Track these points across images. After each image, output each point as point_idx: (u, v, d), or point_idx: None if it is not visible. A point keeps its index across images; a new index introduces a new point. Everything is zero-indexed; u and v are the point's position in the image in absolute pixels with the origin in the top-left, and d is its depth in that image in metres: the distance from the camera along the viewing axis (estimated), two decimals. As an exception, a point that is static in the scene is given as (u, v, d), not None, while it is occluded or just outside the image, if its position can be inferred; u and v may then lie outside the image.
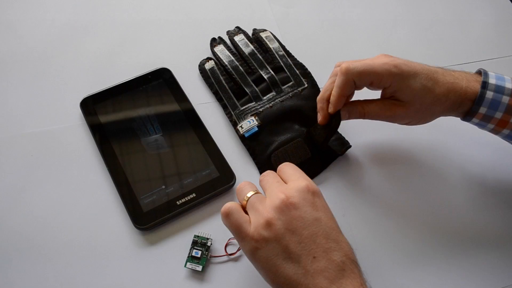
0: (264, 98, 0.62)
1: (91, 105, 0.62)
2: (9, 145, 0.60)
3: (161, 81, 0.65)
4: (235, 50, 0.66)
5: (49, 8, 0.74)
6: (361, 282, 0.40)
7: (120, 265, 0.52)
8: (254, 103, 0.62)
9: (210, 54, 0.68)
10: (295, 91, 0.63)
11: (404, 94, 0.52)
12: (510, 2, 0.79)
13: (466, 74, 0.53)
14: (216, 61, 0.65)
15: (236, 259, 0.53)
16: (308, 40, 0.72)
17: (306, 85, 0.63)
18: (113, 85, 0.64)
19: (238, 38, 0.66)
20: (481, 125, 0.53)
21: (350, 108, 0.55)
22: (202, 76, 0.65)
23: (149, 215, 0.54)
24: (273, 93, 0.62)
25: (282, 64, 0.65)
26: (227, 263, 0.53)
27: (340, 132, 0.60)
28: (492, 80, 0.51)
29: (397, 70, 0.50)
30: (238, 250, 0.53)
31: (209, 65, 0.65)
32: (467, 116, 0.52)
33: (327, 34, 0.74)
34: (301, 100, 0.62)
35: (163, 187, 0.56)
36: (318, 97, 0.55)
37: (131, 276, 0.51)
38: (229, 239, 0.54)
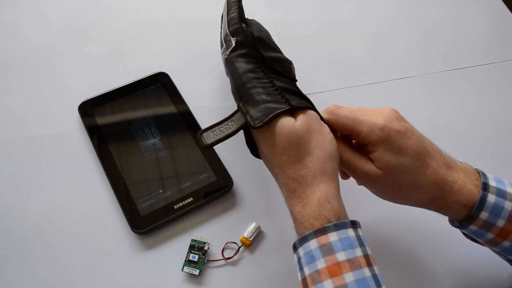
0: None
1: (89, 109, 0.62)
2: (7, 149, 0.60)
3: (159, 85, 0.65)
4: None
5: (47, 12, 0.74)
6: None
7: (118, 268, 0.52)
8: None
9: (209, 58, 0.68)
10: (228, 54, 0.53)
11: (380, 161, 0.44)
12: (507, 7, 0.79)
13: (464, 174, 0.45)
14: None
15: (233, 263, 0.53)
16: (306, 44, 0.73)
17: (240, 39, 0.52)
18: (111, 89, 0.64)
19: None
20: (478, 234, 0.45)
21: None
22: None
23: (147, 219, 0.54)
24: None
25: (221, 29, 0.56)
26: (224, 267, 0.53)
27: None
28: (492, 183, 0.44)
29: (382, 134, 0.44)
30: (236, 254, 0.53)
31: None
32: (463, 222, 0.45)
33: (324, 38, 0.74)
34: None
35: (161, 191, 0.56)
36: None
37: (128, 280, 0.51)
38: (226, 243, 0.54)
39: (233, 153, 0.60)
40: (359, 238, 0.40)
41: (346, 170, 0.48)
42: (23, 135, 0.61)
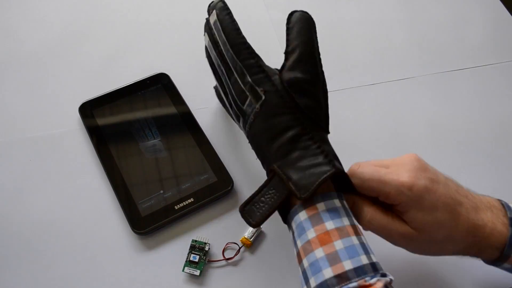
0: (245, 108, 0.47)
1: (90, 110, 0.62)
2: (8, 150, 0.60)
3: (159, 86, 0.65)
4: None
5: (48, 13, 0.74)
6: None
7: (118, 269, 0.52)
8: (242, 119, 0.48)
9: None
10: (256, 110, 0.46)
11: (413, 222, 0.43)
12: (506, 9, 0.79)
13: (491, 212, 0.45)
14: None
15: (234, 264, 0.53)
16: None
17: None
18: (111, 90, 0.64)
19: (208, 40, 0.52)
20: (511, 270, 0.46)
21: (356, 201, 0.45)
22: (216, 94, 0.59)
23: (147, 220, 0.54)
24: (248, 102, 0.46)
25: (237, 78, 0.47)
26: (225, 267, 0.53)
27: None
28: None
29: (411, 194, 0.42)
30: (236, 254, 0.53)
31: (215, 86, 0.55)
32: (496, 262, 0.45)
33: (324, 39, 0.74)
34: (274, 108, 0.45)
35: (161, 191, 0.56)
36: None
37: (129, 280, 0.52)
38: (226, 244, 0.54)
39: (233, 154, 0.60)
40: (345, 208, 0.42)
41: (381, 234, 0.45)
42: (24, 136, 0.61)
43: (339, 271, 0.38)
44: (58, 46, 0.70)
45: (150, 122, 0.61)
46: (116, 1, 0.76)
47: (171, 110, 0.63)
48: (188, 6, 0.77)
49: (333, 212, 0.41)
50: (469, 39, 0.75)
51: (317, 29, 0.75)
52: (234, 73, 0.47)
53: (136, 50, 0.71)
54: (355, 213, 0.44)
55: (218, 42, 0.49)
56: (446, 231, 0.43)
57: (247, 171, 0.59)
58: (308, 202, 0.41)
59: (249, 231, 0.54)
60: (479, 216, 0.44)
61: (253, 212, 0.43)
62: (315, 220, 0.40)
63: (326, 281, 0.38)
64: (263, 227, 0.55)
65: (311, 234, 0.40)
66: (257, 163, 0.58)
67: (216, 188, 0.56)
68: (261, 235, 0.55)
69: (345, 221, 0.40)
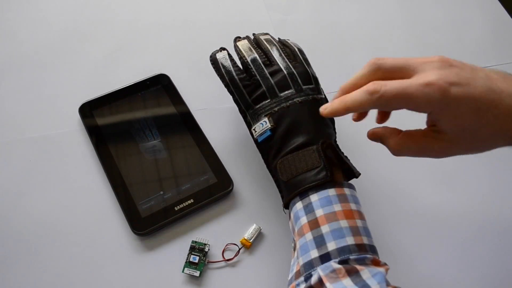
0: (282, 94, 0.51)
1: (90, 110, 0.62)
2: (8, 150, 0.60)
3: (159, 87, 0.65)
4: (257, 45, 0.57)
5: (48, 14, 0.74)
6: None
7: (118, 270, 0.52)
8: (269, 100, 0.51)
9: (208, 60, 0.69)
10: (315, 96, 0.52)
11: (450, 127, 0.40)
12: (505, 10, 0.80)
13: None
14: (236, 54, 0.57)
15: (233, 265, 0.53)
16: (306, 47, 0.73)
17: (323, 97, 0.54)
18: (111, 91, 0.64)
19: (264, 37, 0.58)
20: None
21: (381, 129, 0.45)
22: (214, 68, 0.56)
23: (147, 221, 0.54)
24: (292, 90, 0.51)
25: (304, 64, 0.55)
26: (225, 268, 0.53)
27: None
28: None
29: (441, 96, 0.38)
30: (236, 255, 0.53)
31: (221, 55, 0.56)
32: None
33: (324, 40, 0.75)
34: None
35: (161, 192, 0.56)
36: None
37: (128, 281, 0.52)
38: (226, 245, 0.54)
39: (233, 155, 0.61)
40: (340, 195, 0.45)
41: (416, 156, 0.44)
42: (24, 136, 0.61)
43: (359, 242, 0.43)
44: (58, 46, 0.70)
45: (150, 123, 0.62)
46: (116, 2, 0.77)
47: (171, 110, 0.63)
48: (188, 7, 0.77)
49: (324, 200, 0.45)
50: (468, 41, 0.75)
51: (317, 30, 0.75)
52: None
53: (136, 51, 0.71)
54: (384, 145, 0.45)
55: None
56: (491, 128, 0.39)
57: (247, 172, 0.59)
58: (303, 194, 0.47)
59: (248, 232, 0.54)
60: None
61: (286, 168, 0.49)
62: (308, 209, 0.45)
63: (348, 246, 0.42)
64: (263, 228, 0.55)
65: (337, 207, 0.45)
66: (257, 164, 0.58)
67: (216, 189, 0.57)
68: (260, 236, 0.55)
69: (337, 207, 0.45)
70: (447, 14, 0.79)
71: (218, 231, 0.55)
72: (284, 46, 0.57)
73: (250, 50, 0.55)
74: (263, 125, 0.51)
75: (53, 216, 0.55)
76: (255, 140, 0.52)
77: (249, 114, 0.53)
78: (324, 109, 0.44)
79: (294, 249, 0.46)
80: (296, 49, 0.57)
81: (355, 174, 0.48)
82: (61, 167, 0.59)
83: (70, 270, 0.52)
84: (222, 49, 0.57)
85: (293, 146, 0.49)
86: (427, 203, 0.59)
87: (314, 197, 0.45)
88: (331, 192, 0.45)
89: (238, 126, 0.63)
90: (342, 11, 0.78)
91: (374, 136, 0.46)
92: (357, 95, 0.41)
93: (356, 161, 0.61)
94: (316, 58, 0.71)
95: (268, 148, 0.51)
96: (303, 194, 0.46)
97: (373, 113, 0.48)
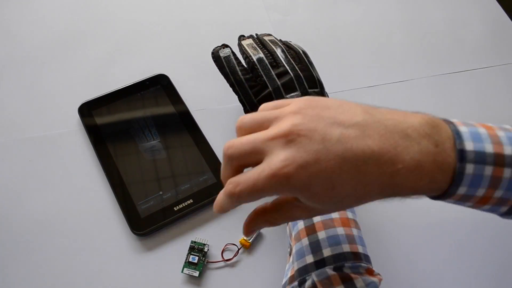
0: (287, 96, 0.51)
1: (89, 111, 0.62)
2: (7, 150, 0.60)
3: (159, 87, 0.65)
4: (262, 45, 0.57)
5: (47, 14, 0.74)
6: None
7: (117, 270, 0.52)
8: None
9: (209, 60, 0.69)
10: None
11: (311, 203, 0.34)
12: (504, 11, 0.80)
13: (430, 142, 0.34)
14: (239, 52, 0.57)
15: (232, 265, 0.53)
16: (305, 47, 0.73)
17: None
18: (111, 91, 0.64)
19: (268, 38, 0.58)
20: (456, 204, 0.38)
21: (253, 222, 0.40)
22: (217, 65, 0.56)
23: (147, 221, 0.54)
24: (298, 92, 0.52)
25: (310, 68, 0.55)
26: (224, 268, 0.53)
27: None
28: (469, 145, 0.34)
29: (289, 185, 0.32)
30: (235, 255, 0.53)
31: (224, 52, 0.55)
32: (438, 198, 0.37)
33: (324, 41, 0.75)
34: None
35: (161, 193, 0.56)
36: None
37: (128, 281, 0.52)
38: (225, 245, 0.54)
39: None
40: None
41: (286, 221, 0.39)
42: (23, 136, 0.61)
43: (355, 250, 0.43)
44: (57, 46, 0.70)
45: (150, 123, 0.62)
46: (115, 2, 0.77)
47: (170, 111, 0.63)
48: (187, 7, 0.77)
49: None
50: (468, 42, 0.75)
51: (317, 31, 0.76)
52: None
53: (136, 51, 0.71)
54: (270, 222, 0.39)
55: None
56: (355, 197, 0.34)
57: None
58: None
59: None
60: (405, 157, 0.33)
61: None
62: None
63: (343, 253, 0.42)
64: (262, 229, 0.55)
65: (335, 214, 0.45)
66: (256, 164, 0.58)
67: (215, 189, 0.57)
68: (259, 236, 0.55)
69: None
70: (446, 15, 0.79)
71: (217, 231, 0.55)
72: (288, 48, 0.57)
73: (256, 49, 0.55)
74: None
75: (52, 216, 0.55)
76: None
77: None
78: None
79: (290, 254, 0.46)
80: (301, 52, 0.57)
81: None
82: (61, 167, 0.59)
83: (69, 270, 0.52)
84: (225, 46, 0.57)
85: None
86: (426, 204, 0.59)
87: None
88: None
89: (238, 126, 0.63)
90: (342, 12, 0.78)
91: (251, 225, 0.40)
92: (221, 198, 0.36)
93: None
94: (315, 58, 0.71)
95: None
96: None
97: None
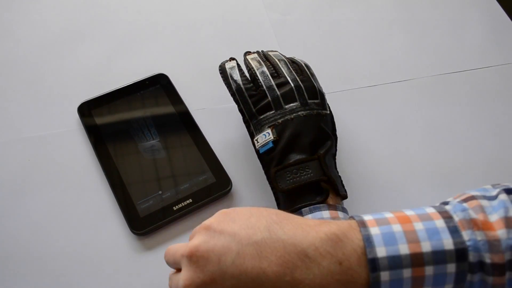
0: (286, 107, 0.52)
1: (89, 110, 0.62)
2: (6, 150, 0.60)
3: (158, 87, 0.65)
4: (266, 59, 0.57)
5: (47, 13, 0.74)
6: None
7: (116, 269, 0.52)
8: (273, 111, 0.52)
9: (209, 60, 0.69)
10: (320, 111, 0.53)
11: None
12: (504, 11, 0.80)
13: (331, 260, 0.33)
14: (244, 65, 0.58)
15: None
16: (305, 47, 0.73)
17: (328, 112, 0.55)
18: (110, 90, 0.64)
19: (272, 53, 0.59)
20: None
21: None
22: (222, 77, 0.57)
23: (146, 220, 0.54)
24: (297, 103, 0.52)
25: (312, 79, 0.55)
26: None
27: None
28: (381, 251, 0.33)
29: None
30: None
31: (229, 65, 0.57)
32: None
33: (323, 41, 0.75)
34: (324, 124, 0.53)
35: (160, 192, 0.56)
36: None
37: (127, 281, 0.52)
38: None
39: (232, 155, 0.61)
40: (334, 219, 0.45)
41: None
42: (22, 136, 0.61)
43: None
44: (56, 46, 0.70)
45: (149, 123, 0.62)
46: (114, 1, 0.77)
47: (169, 110, 0.63)
48: (187, 7, 0.77)
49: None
50: (467, 42, 0.75)
51: (316, 30, 0.76)
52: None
53: (135, 50, 0.71)
54: None
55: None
56: None
57: (245, 172, 0.59)
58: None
59: None
60: (305, 280, 0.33)
61: (283, 179, 0.48)
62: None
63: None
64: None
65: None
66: (255, 164, 0.58)
67: (215, 189, 0.57)
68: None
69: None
70: (445, 15, 0.79)
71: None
72: (292, 62, 0.57)
73: (260, 63, 0.56)
74: (266, 136, 0.52)
75: (52, 215, 0.55)
76: (257, 151, 0.53)
77: (252, 124, 0.54)
78: None
79: None
80: (303, 64, 0.58)
81: (341, 195, 0.49)
82: (60, 166, 0.59)
83: (68, 270, 0.52)
84: (232, 59, 0.58)
85: (292, 160, 0.49)
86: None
87: (307, 218, 0.44)
88: (326, 214, 0.45)
89: (237, 126, 0.63)
90: (341, 12, 0.78)
91: None
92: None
93: (354, 162, 0.61)
94: (315, 58, 0.71)
95: (269, 160, 0.51)
96: (298, 212, 0.47)
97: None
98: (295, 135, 0.50)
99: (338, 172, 0.52)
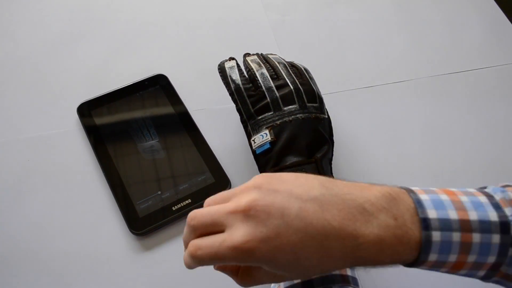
0: (285, 109, 0.52)
1: (88, 110, 0.62)
2: (6, 150, 0.60)
3: (157, 87, 0.65)
4: (265, 61, 0.58)
5: (46, 13, 0.74)
6: None
7: (116, 269, 0.52)
8: (272, 113, 0.52)
9: (208, 61, 0.69)
10: (318, 114, 0.53)
11: (278, 271, 0.35)
12: (502, 12, 0.80)
13: (388, 215, 0.34)
14: (243, 66, 0.58)
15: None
16: (304, 48, 0.73)
17: (326, 116, 0.55)
18: (110, 91, 0.64)
19: (272, 56, 0.59)
20: (430, 270, 0.38)
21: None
22: (221, 76, 0.56)
23: (145, 221, 0.54)
24: (296, 105, 0.52)
25: (311, 82, 0.56)
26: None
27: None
28: (431, 212, 0.35)
29: (251, 258, 0.33)
30: None
31: (229, 64, 0.57)
32: (411, 265, 0.36)
33: (322, 42, 0.75)
34: (322, 128, 0.53)
35: (159, 192, 0.56)
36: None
37: (126, 281, 0.52)
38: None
39: (231, 155, 0.61)
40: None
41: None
42: (22, 136, 0.61)
43: (343, 273, 0.41)
44: (56, 46, 0.70)
45: (148, 123, 0.62)
46: (114, 2, 0.77)
47: (169, 111, 0.63)
48: (186, 7, 0.77)
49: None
50: (466, 42, 0.76)
51: (315, 30, 0.76)
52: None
53: (135, 51, 0.71)
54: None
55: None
56: (320, 268, 0.35)
57: (244, 172, 0.60)
58: None
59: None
60: (365, 231, 0.34)
61: None
62: None
63: (332, 275, 0.40)
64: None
65: None
66: (254, 164, 0.58)
67: (214, 189, 0.57)
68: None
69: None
70: (444, 16, 0.79)
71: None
72: (291, 65, 0.58)
73: (259, 65, 0.56)
74: (263, 137, 0.51)
75: (51, 215, 0.55)
76: (253, 152, 0.52)
77: (250, 125, 0.53)
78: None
79: None
80: (303, 69, 0.58)
81: None
82: (59, 167, 0.59)
83: (68, 270, 0.52)
84: (231, 58, 0.58)
85: (289, 162, 0.49)
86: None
87: None
88: None
89: (236, 126, 0.63)
90: (340, 12, 0.78)
91: (221, 269, 0.40)
92: (185, 257, 0.37)
93: (354, 162, 0.61)
94: (313, 59, 0.72)
95: (266, 161, 0.51)
96: None
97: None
98: (293, 137, 0.50)
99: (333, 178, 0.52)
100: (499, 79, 0.72)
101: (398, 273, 0.54)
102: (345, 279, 0.41)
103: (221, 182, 0.57)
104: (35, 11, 0.74)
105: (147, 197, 0.56)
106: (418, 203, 0.35)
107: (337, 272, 0.41)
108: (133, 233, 0.54)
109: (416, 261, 0.35)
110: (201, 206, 0.56)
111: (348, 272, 0.42)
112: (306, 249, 0.33)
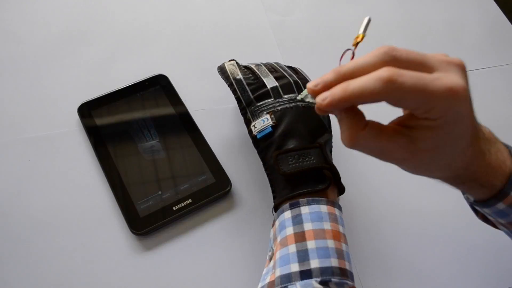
0: (285, 96, 0.52)
1: (89, 111, 0.63)
2: (6, 150, 0.60)
3: (158, 88, 0.65)
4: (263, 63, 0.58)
5: (46, 14, 0.74)
6: None
7: (116, 269, 0.52)
8: (272, 99, 0.52)
9: (208, 61, 0.69)
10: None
11: (427, 143, 0.35)
12: (502, 12, 0.80)
13: (496, 145, 0.42)
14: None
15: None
16: (304, 48, 0.73)
17: None
18: (110, 91, 0.64)
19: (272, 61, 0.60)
20: (502, 214, 0.41)
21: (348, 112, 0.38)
22: (220, 74, 0.56)
23: (146, 221, 0.54)
24: (296, 94, 0.52)
25: (308, 79, 0.57)
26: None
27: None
28: None
29: (460, 107, 0.34)
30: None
31: (229, 63, 0.57)
32: (490, 200, 0.40)
33: (322, 42, 0.75)
34: (323, 117, 0.53)
35: (160, 192, 0.56)
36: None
37: (127, 281, 0.52)
38: (224, 245, 0.54)
39: (231, 155, 0.61)
40: (331, 214, 0.45)
41: (368, 153, 0.38)
42: (23, 137, 0.61)
43: (342, 266, 0.41)
44: (57, 46, 0.70)
45: (149, 123, 0.62)
46: (115, 2, 0.77)
47: (169, 111, 0.63)
48: (186, 8, 0.77)
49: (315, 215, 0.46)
50: (466, 42, 0.76)
51: (316, 31, 0.76)
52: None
53: (135, 51, 0.71)
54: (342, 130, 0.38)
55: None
56: (459, 147, 0.36)
57: (245, 172, 0.60)
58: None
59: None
60: (483, 133, 0.40)
61: (285, 163, 0.48)
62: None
63: (331, 267, 0.41)
64: (261, 228, 0.55)
65: (327, 225, 0.44)
66: (255, 164, 0.58)
67: (214, 189, 0.57)
68: (256, 237, 0.55)
69: (326, 225, 0.44)
70: (444, 16, 0.79)
71: (216, 231, 0.55)
72: (288, 67, 0.59)
73: (258, 64, 0.57)
74: (264, 121, 0.51)
75: (51, 215, 0.55)
76: (254, 137, 0.51)
77: (249, 111, 0.53)
78: (322, 99, 0.35)
79: (270, 259, 0.45)
80: (300, 69, 0.59)
81: (340, 189, 0.49)
82: (60, 167, 0.59)
83: (68, 270, 0.52)
84: (231, 60, 0.58)
85: (292, 146, 0.49)
86: (425, 204, 0.59)
87: (305, 209, 0.44)
88: (323, 208, 0.44)
89: (236, 126, 0.63)
90: (340, 12, 0.78)
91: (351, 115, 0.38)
92: (367, 82, 0.33)
93: (353, 162, 0.61)
94: (314, 59, 0.72)
95: (267, 145, 0.50)
96: (294, 204, 0.45)
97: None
98: (295, 122, 0.50)
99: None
100: (499, 79, 0.72)
101: (398, 273, 0.54)
102: (344, 273, 0.41)
103: (221, 182, 0.57)
104: (35, 11, 0.74)
105: (147, 197, 0.56)
106: (508, 147, 0.43)
107: (336, 264, 0.41)
108: (133, 233, 0.54)
109: (500, 192, 0.40)
110: (201, 206, 0.56)
111: (347, 266, 0.42)
112: (467, 137, 0.36)
